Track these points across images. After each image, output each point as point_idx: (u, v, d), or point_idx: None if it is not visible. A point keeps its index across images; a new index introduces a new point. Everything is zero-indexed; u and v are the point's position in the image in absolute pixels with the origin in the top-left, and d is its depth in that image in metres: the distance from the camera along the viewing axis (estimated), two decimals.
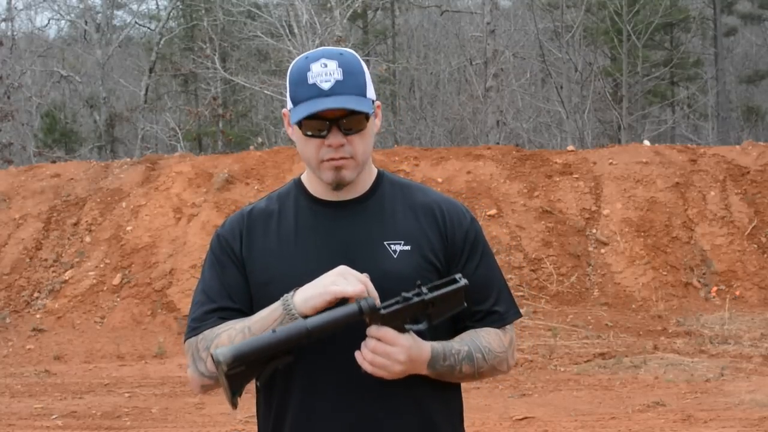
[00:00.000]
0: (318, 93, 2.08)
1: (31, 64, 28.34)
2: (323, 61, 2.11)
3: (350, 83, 2.10)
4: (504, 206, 13.62)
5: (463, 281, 2.06)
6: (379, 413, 2.11)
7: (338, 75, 2.09)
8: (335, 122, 2.09)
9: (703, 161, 14.33)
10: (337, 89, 2.08)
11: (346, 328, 2.01)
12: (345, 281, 2.01)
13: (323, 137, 2.11)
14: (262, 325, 2.05)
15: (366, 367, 2.03)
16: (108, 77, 27.41)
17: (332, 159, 2.11)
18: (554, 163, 14.37)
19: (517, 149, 15.30)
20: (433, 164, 14.28)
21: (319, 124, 2.10)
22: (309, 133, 2.12)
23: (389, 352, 2.02)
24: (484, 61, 21.97)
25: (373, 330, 2.01)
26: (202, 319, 2.17)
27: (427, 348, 2.09)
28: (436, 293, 2.04)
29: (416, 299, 2.03)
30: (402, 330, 2.03)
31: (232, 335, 2.08)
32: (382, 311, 2.01)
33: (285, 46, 21.64)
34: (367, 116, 2.12)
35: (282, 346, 1.96)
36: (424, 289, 2.04)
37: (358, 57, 2.17)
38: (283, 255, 2.17)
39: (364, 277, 2.03)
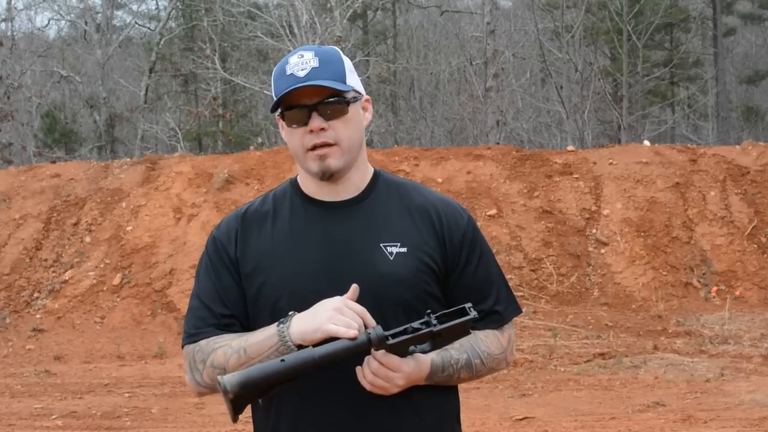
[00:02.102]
0: (294, 81, 2.10)
1: (31, 64, 28.31)
2: (300, 52, 2.14)
3: (327, 69, 2.12)
4: (504, 206, 13.61)
5: (473, 313, 2.03)
6: (374, 414, 2.11)
7: (314, 63, 2.12)
8: (314, 108, 2.11)
9: (703, 161, 14.32)
10: (312, 75, 2.10)
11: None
12: (342, 320, 1.99)
13: (306, 125, 2.12)
14: (257, 350, 2.05)
15: (365, 384, 2.05)
16: (108, 77, 27.38)
17: (315, 146, 2.11)
18: (554, 163, 14.37)
19: (517, 149, 15.30)
20: (433, 164, 14.28)
21: (300, 114, 2.11)
22: (293, 125, 2.13)
23: (390, 377, 2.03)
24: (484, 61, 21.97)
25: (378, 354, 2.02)
26: (198, 327, 2.17)
27: (426, 364, 2.09)
28: (445, 325, 2.02)
29: (425, 330, 2.02)
30: (406, 354, 2.04)
31: (227, 354, 2.08)
32: (390, 341, 2.00)
33: (285, 46, 21.62)
34: (347, 101, 2.13)
35: (290, 375, 1.95)
36: (433, 320, 2.02)
37: (340, 52, 2.19)
38: (277, 256, 2.16)
39: (362, 310, 2.02)
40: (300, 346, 2.01)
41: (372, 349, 2.01)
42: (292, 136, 2.15)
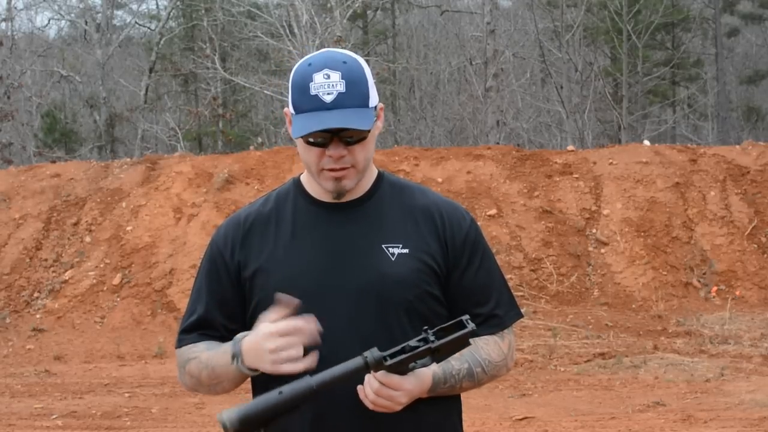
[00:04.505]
0: (320, 105, 2.06)
1: (31, 64, 28.31)
2: (326, 71, 2.08)
3: (353, 95, 2.07)
4: (504, 206, 13.61)
5: (471, 326, 2.00)
6: (377, 413, 2.10)
7: (341, 87, 2.06)
8: (336, 134, 2.08)
9: (703, 161, 14.32)
10: (339, 102, 2.06)
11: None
12: (284, 356, 1.98)
13: (324, 146, 2.10)
14: (224, 372, 2.11)
15: (367, 404, 2.05)
16: (108, 77, 27.37)
17: (333, 170, 2.11)
18: (554, 163, 14.36)
19: (517, 149, 15.30)
20: (433, 164, 14.28)
21: (321, 135, 2.09)
22: (311, 140, 2.11)
23: (392, 396, 2.03)
24: (484, 61, 21.96)
25: (378, 375, 2.01)
26: (187, 331, 2.24)
27: (428, 377, 2.09)
28: (443, 341, 2.01)
29: (423, 347, 2.00)
30: (406, 372, 2.03)
31: (199, 367, 2.16)
32: (387, 362, 1.99)
33: (285, 46, 21.64)
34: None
35: (288, 407, 1.96)
36: (431, 336, 2.00)
37: (362, 63, 2.14)
38: (280, 257, 2.17)
39: (295, 326, 1.99)
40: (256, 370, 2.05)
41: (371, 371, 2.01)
42: (307, 152, 2.13)
